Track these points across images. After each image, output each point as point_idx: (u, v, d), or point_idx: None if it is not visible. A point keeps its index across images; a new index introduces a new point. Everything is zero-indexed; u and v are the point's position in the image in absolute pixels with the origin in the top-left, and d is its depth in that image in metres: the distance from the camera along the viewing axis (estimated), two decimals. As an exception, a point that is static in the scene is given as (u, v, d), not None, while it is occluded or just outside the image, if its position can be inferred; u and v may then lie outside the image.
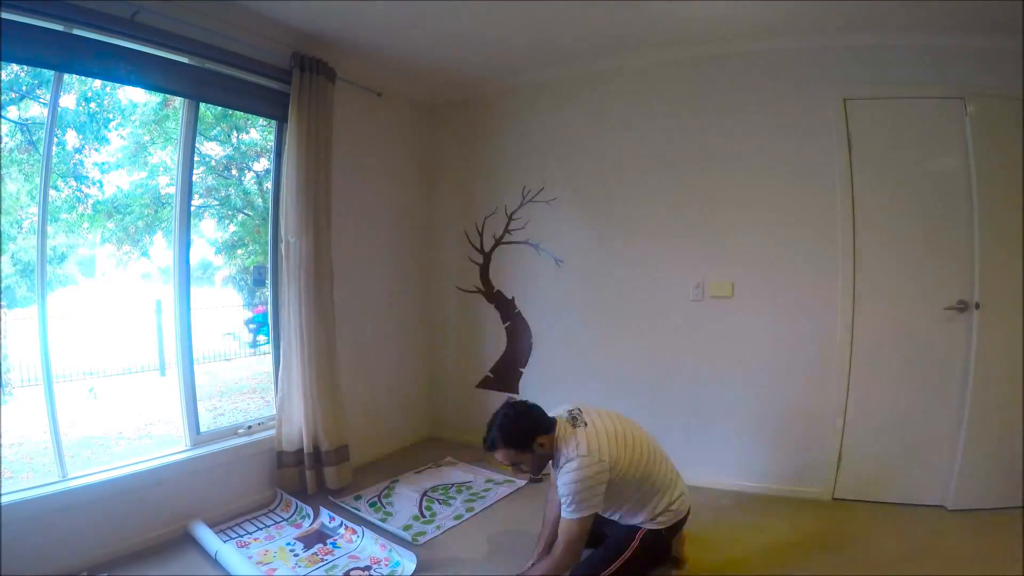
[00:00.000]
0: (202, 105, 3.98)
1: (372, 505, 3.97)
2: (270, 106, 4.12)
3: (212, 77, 3.73)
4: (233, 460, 3.87)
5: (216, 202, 7.09)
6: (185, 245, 3.80)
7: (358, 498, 4.06)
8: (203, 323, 7.39)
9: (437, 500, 4.06)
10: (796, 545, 3.44)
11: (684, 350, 4.39)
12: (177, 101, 3.94)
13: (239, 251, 7.44)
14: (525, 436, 2.71)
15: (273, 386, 4.26)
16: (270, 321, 4.33)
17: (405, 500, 4.05)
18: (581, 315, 4.73)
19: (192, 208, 4.04)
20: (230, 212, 7.18)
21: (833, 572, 3.11)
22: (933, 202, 3.83)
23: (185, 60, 3.56)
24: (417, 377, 5.46)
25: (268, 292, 4.34)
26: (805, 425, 4.09)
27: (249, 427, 4.12)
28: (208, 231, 7.28)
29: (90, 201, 6.01)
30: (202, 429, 3.88)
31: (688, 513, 2.93)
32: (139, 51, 3.32)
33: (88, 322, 7.20)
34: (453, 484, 4.33)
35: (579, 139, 4.71)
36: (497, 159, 5.10)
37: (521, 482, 4.25)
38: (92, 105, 5.50)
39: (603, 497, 2.65)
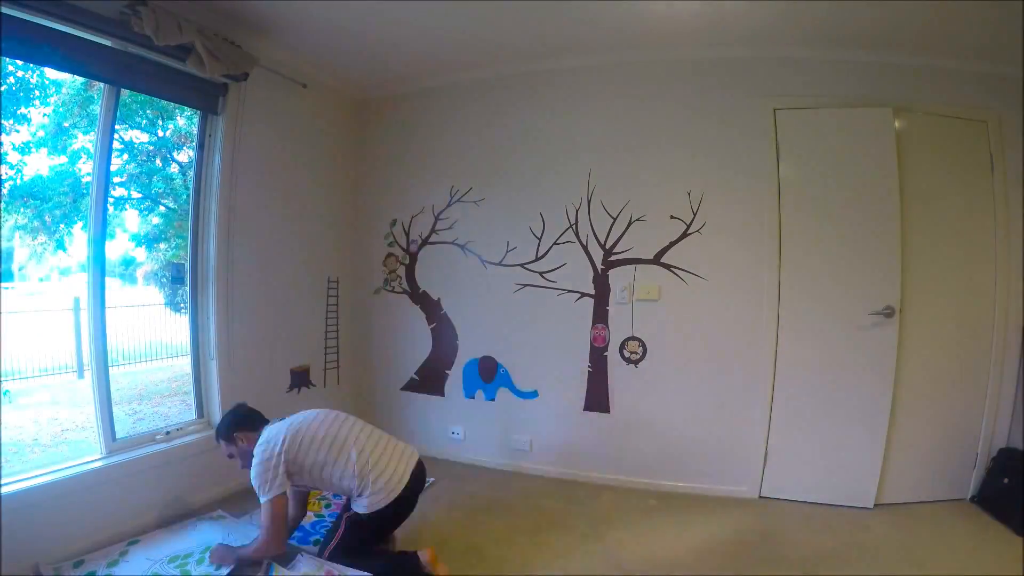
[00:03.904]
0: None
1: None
2: (195, 95, 4.12)
3: (135, 62, 3.66)
4: (149, 468, 3.81)
5: (139, 193, 7.04)
6: (101, 237, 3.71)
7: (78, 564, 3.25)
8: (124, 322, 7.39)
9: (169, 572, 3.24)
10: (725, 542, 3.68)
11: (611, 350, 4.63)
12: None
13: (162, 245, 7.38)
14: (228, 430, 3.37)
15: (193, 389, 4.34)
16: (189, 322, 4.32)
17: (132, 569, 3.26)
18: (507, 316, 4.92)
19: (112, 198, 4.02)
20: (154, 203, 7.15)
21: (762, 568, 3.36)
22: (860, 210, 4.14)
23: (108, 43, 3.50)
24: (341, 380, 5.52)
25: (188, 291, 4.31)
26: (732, 424, 4.38)
27: (167, 432, 4.07)
28: (131, 224, 7.23)
29: (7, 186, 5.93)
30: (119, 435, 3.81)
31: (396, 507, 3.15)
32: (58, 30, 3.24)
33: (2, 319, 7.11)
34: (199, 548, 3.48)
35: (511, 140, 4.89)
36: (426, 158, 5.22)
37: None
38: (10, 80, 5.44)
39: (282, 479, 3.08)
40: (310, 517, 3.96)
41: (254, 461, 3.12)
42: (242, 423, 3.38)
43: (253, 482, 3.09)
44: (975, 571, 3.30)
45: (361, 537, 3.21)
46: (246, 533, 3.63)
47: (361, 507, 3.14)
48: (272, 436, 3.16)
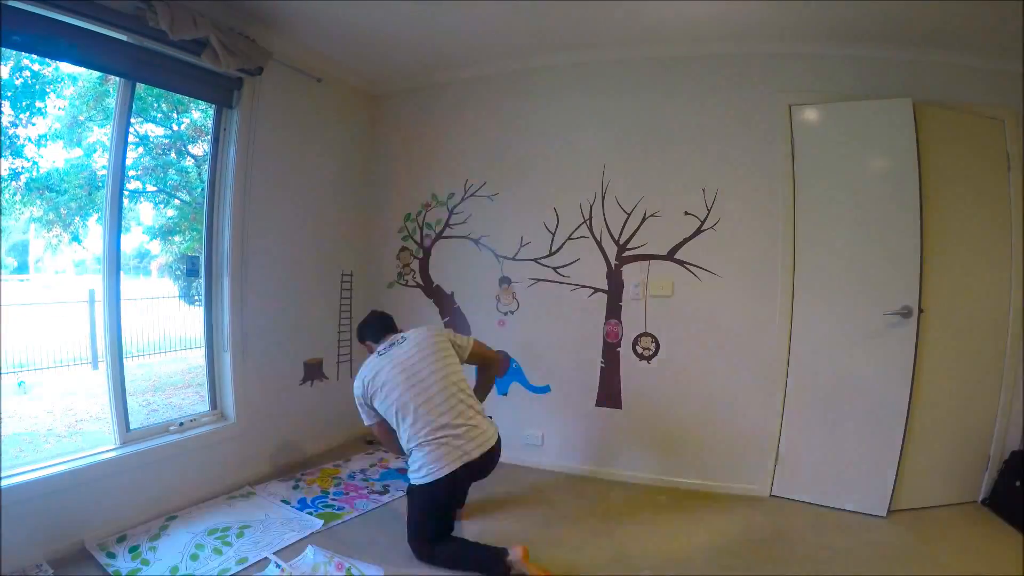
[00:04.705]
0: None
1: (133, 551, 3.33)
2: (210, 89, 4.16)
3: (150, 56, 3.70)
4: (163, 459, 3.85)
5: (154, 186, 7.10)
6: (116, 230, 3.73)
7: (121, 540, 3.44)
8: (138, 314, 7.46)
9: (211, 546, 3.44)
10: (736, 540, 3.69)
11: (624, 346, 4.65)
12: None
13: (176, 238, 7.45)
14: (359, 337, 4.01)
15: (207, 381, 4.39)
16: (203, 315, 4.37)
17: (175, 543, 3.45)
18: (520, 311, 4.95)
19: (127, 191, 4.03)
20: (168, 196, 7.21)
21: (773, 566, 3.37)
22: (877, 207, 4.09)
23: (123, 37, 3.54)
24: (355, 373, 5.46)
25: (202, 283, 4.36)
26: (744, 422, 4.38)
27: (181, 424, 4.11)
28: (146, 217, 7.30)
29: (23, 178, 5.99)
30: (133, 426, 3.85)
31: (447, 485, 3.28)
32: (74, 25, 3.28)
33: (18, 311, 7.17)
34: (239, 524, 3.74)
35: (525, 135, 4.90)
36: (440, 152, 5.26)
37: (317, 524, 3.74)
38: (26, 74, 5.49)
39: (371, 412, 3.59)
40: (316, 492, 4.28)
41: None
42: (362, 333, 3.99)
43: None
44: (986, 571, 3.31)
45: (420, 510, 3.37)
46: (279, 511, 3.94)
47: (413, 477, 3.36)
48: (361, 374, 3.60)
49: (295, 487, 4.32)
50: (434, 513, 3.35)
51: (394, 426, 3.45)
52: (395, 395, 3.38)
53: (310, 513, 3.89)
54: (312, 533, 3.61)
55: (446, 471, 3.23)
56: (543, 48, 4.63)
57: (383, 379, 3.44)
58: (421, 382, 3.38)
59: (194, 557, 3.28)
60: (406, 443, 3.37)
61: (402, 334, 3.68)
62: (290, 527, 3.68)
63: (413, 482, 3.36)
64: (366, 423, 3.67)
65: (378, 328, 3.87)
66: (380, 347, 3.65)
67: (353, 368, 5.49)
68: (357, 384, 3.58)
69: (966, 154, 4.12)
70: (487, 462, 3.41)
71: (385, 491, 4.36)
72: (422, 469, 3.27)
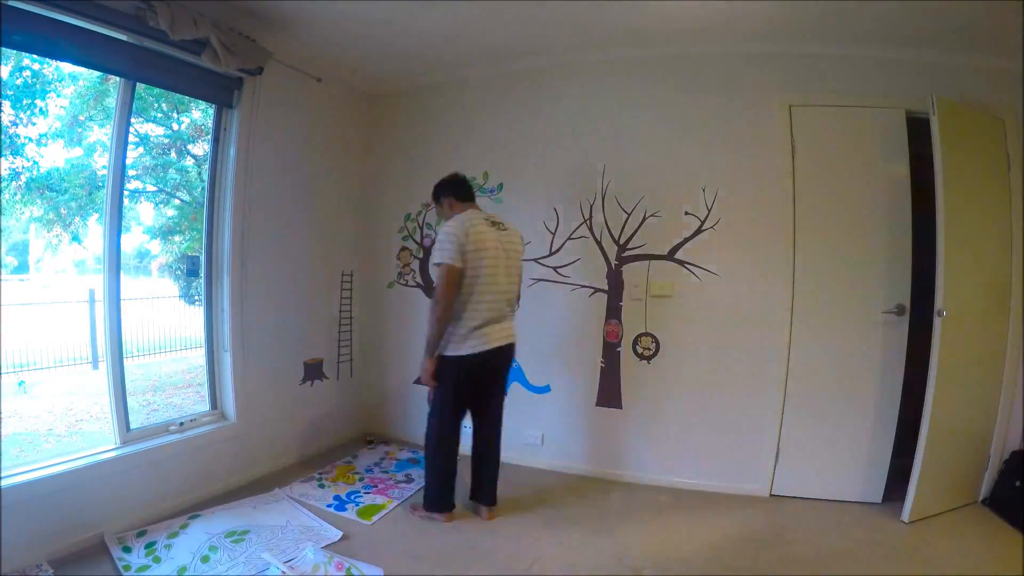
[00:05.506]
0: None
1: (149, 547, 3.36)
2: (210, 89, 4.16)
3: (151, 56, 3.71)
4: (164, 459, 3.85)
5: (154, 186, 7.10)
6: (116, 230, 3.72)
7: (142, 535, 3.49)
8: (138, 314, 7.46)
9: (225, 547, 3.41)
10: (736, 540, 3.69)
11: (624, 346, 4.64)
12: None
13: (176, 238, 7.44)
14: (437, 192, 3.94)
15: (207, 381, 4.39)
16: (203, 314, 4.37)
17: (190, 542, 3.44)
18: (520, 310, 4.86)
19: (127, 191, 4.01)
20: (168, 196, 7.21)
21: (773, 567, 3.36)
22: (874, 208, 4.12)
23: (123, 37, 3.54)
24: (355, 373, 5.59)
25: (202, 283, 4.36)
26: (744, 422, 4.38)
27: (181, 424, 4.10)
28: (146, 217, 7.29)
29: (23, 178, 5.98)
30: (133, 426, 3.85)
31: (483, 357, 3.60)
32: (74, 25, 3.29)
33: (18, 311, 7.16)
34: (256, 527, 3.67)
35: (526, 135, 4.91)
36: (440, 151, 5.24)
37: (336, 534, 3.58)
38: (26, 74, 5.49)
39: (456, 254, 3.45)
40: (344, 488, 4.32)
41: (442, 231, 3.58)
42: (455, 194, 3.84)
43: (435, 245, 3.58)
44: (985, 571, 3.31)
45: (452, 381, 3.66)
46: (300, 518, 3.84)
47: (457, 348, 3.57)
48: (468, 223, 3.54)
49: (320, 486, 4.34)
50: (462, 388, 3.70)
51: (469, 287, 3.53)
52: (489, 266, 3.56)
53: (349, 508, 3.98)
54: (330, 544, 3.50)
55: (491, 346, 3.60)
56: (543, 48, 4.62)
57: (488, 244, 3.56)
58: (509, 273, 3.73)
59: (205, 559, 3.28)
60: (465, 311, 3.54)
61: (500, 220, 3.83)
62: (308, 535, 3.58)
63: (453, 353, 3.58)
64: (446, 260, 3.45)
65: (467, 191, 3.88)
66: (481, 214, 3.72)
67: (353, 368, 5.54)
68: (458, 227, 3.51)
69: (966, 154, 4.10)
70: (509, 353, 3.85)
71: (410, 480, 4.48)
72: (469, 340, 3.56)
